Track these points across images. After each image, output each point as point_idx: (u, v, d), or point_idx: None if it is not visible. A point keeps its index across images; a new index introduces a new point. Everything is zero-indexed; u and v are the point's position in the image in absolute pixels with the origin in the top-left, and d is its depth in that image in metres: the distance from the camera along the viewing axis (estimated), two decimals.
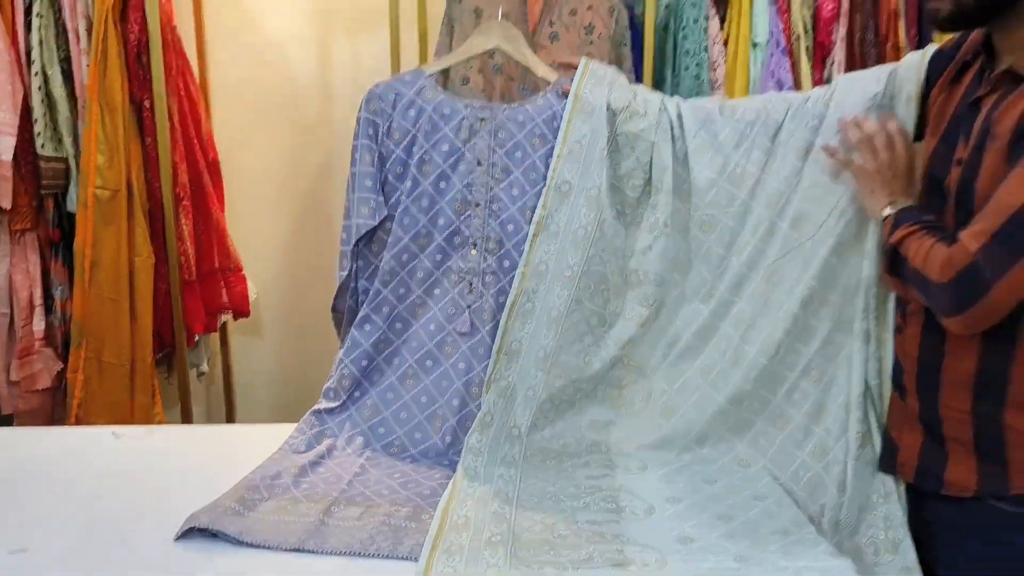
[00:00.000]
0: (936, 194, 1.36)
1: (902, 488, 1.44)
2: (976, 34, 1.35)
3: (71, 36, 2.29)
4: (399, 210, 1.81)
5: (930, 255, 1.23)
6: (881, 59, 2.43)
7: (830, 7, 2.43)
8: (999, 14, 1.25)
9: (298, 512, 1.42)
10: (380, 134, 1.82)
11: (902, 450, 1.42)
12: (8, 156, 2.23)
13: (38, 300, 2.37)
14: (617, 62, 2.29)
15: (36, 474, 1.56)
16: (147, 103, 2.35)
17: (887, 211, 1.37)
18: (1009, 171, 1.16)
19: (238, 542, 1.31)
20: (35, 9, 2.25)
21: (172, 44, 2.43)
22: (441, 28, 2.32)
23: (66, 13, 2.28)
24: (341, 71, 2.82)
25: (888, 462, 1.46)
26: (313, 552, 1.30)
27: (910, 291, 1.36)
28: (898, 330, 1.47)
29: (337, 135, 2.85)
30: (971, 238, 1.16)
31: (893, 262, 1.38)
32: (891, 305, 1.50)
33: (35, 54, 2.27)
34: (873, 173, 1.43)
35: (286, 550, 1.30)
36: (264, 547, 1.31)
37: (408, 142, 1.82)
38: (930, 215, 1.33)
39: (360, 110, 1.83)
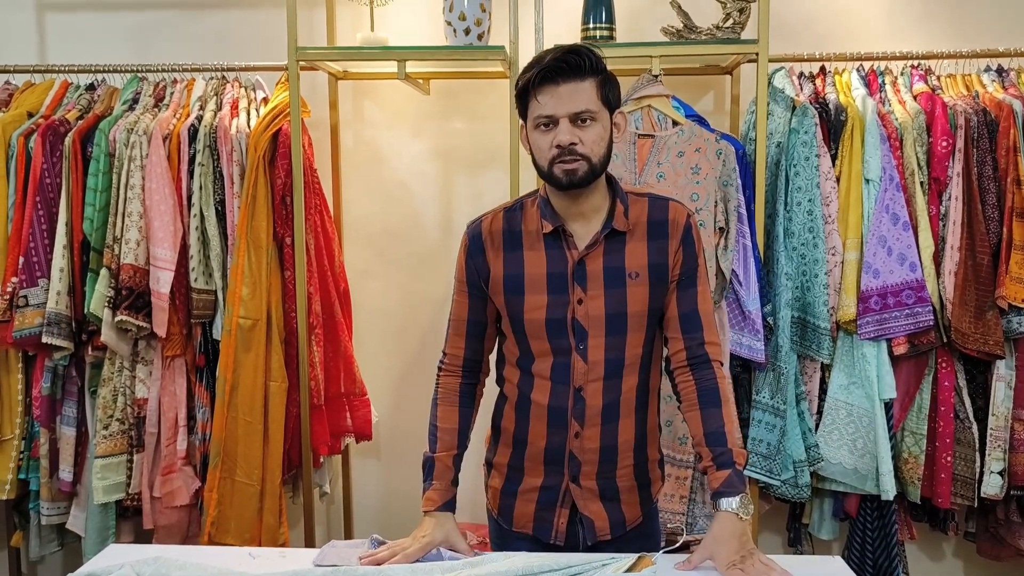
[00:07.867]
0: None
1: None
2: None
3: (226, 181, 2.55)
4: None
5: (729, 408, 1.64)
6: (1001, 193, 2.42)
7: (944, 143, 2.44)
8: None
9: None
10: None
11: None
12: (166, 289, 2.46)
13: (182, 421, 2.56)
14: (724, 200, 2.39)
15: None
16: (288, 240, 2.56)
17: (739, 499, 1.57)
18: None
19: None
20: (198, 159, 2.52)
21: (312, 185, 2.65)
22: None
23: (223, 160, 2.54)
24: (461, 206, 2.99)
25: None
26: None
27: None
28: None
29: (455, 267, 2.98)
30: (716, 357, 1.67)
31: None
32: None
33: (195, 198, 2.53)
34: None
35: None
36: None
37: None
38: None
39: None
